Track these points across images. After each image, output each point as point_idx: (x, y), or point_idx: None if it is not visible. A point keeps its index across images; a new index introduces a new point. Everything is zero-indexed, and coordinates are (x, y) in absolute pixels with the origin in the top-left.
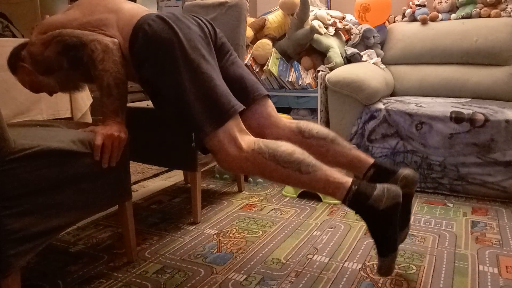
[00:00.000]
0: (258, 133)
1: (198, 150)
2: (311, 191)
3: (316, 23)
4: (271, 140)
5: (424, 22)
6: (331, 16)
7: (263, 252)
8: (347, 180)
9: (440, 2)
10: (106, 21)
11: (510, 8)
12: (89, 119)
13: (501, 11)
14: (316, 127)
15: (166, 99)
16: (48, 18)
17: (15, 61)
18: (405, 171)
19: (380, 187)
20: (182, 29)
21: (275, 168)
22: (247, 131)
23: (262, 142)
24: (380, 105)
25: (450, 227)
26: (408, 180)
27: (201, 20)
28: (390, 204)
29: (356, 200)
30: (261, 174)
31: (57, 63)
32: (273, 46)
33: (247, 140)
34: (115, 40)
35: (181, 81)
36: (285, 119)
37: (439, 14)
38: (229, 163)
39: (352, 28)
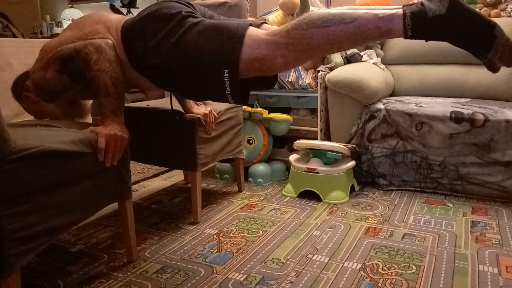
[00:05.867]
0: None
1: (239, 101)
2: (365, 41)
3: None
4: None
5: None
6: None
7: (263, 252)
8: (397, 10)
9: None
10: (96, 31)
11: (510, 8)
12: (89, 119)
13: (501, 11)
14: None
15: (179, 67)
16: (43, 45)
17: (19, 91)
18: None
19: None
20: (162, 4)
21: (318, 32)
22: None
23: (293, 21)
24: (380, 105)
25: (450, 227)
26: None
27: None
28: (448, 1)
29: (418, 22)
30: (309, 50)
31: (59, 82)
32: None
33: (276, 30)
34: (108, 40)
35: (185, 38)
36: None
37: None
38: (277, 64)
39: None
